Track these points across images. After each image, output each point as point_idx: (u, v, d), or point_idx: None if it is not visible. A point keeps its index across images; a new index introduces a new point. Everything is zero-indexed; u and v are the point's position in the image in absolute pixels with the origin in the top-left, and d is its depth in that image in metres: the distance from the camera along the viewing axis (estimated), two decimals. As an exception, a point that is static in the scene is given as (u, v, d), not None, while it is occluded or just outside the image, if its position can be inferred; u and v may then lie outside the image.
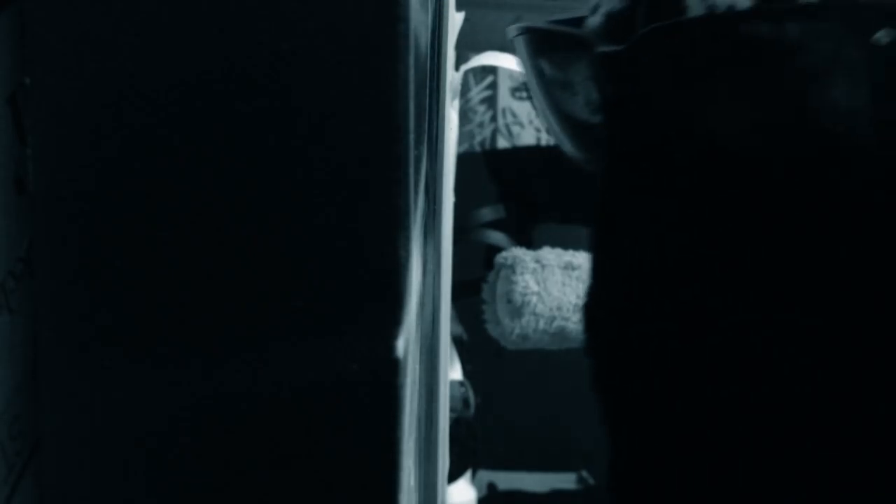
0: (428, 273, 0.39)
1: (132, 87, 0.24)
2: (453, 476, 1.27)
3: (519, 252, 1.35)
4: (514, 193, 2.10)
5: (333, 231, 0.25)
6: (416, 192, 0.28)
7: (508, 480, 2.39)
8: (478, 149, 2.56)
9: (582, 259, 1.37)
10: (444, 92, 0.60)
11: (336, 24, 0.24)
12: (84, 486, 0.26)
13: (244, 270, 0.25)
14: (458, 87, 0.85)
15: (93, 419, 0.26)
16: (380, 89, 0.24)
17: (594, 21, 0.36)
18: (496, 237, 1.87)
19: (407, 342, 0.26)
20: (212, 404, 0.25)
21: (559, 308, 1.31)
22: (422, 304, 0.35)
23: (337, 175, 0.24)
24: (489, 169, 2.31)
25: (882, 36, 0.30)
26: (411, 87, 0.25)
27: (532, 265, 1.32)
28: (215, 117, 0.24)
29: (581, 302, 0.37)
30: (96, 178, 0.25)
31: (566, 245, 1.43)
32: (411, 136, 0.25)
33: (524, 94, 2.59)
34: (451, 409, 1.17)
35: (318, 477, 0.26)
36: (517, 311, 1.29)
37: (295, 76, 0.24)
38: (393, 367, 0.25)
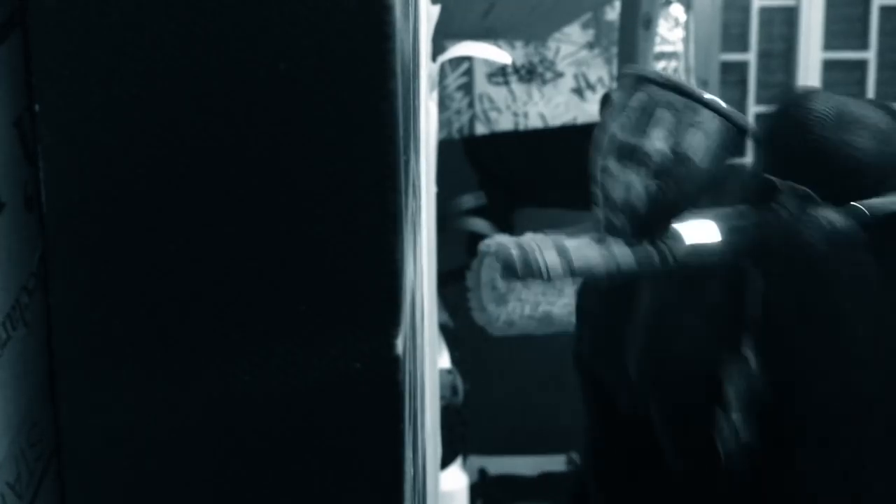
0: (416, 265, 0.41)
1: (136, 106, 0.25)
2: (445, 463, 1.29)
3: (502, 238, 1.37)
4: (494, 179, 2.11)
5: (334, 240, 0.26)
6: (407, 195, 0.30)
7: (499, 465, 2.42)
8: (456, 136, 2.57)
9: (564, 243, 1.38)
10: (422, 84, 0.61)
11: (328, 46, 0.25)
12: (103, 487, 0.27)
13: (251, 278, 0.26)
14: (436, 78, 0.87)
15: (108, 423, 0.27)
16: (371, 104, 0.25)
17: None
18: (478, 224, 1.89)
19: (405, 339, 0.27)
20: (223, 406, 0.27)
21: (544, 293, 1.33)
22: (413, 299, 0.37)
23: (335, 187, 0.26)
24: (468, 156, 2.33)
25: None
26: (400, 98, 0.26)
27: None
28: (219, 136, 0.25)
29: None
30: (103, 195, 0.26)
31: (547, 230, 1.45)
32: (401, 145, 0.26)
33: (500, 80, 2.60)
34: (440, 397, 1.18)
35: (326, 471, 0.27)
36: (502, 298, 1.31)
37: (291, 96, 0.25)
38: (394, 365, 0.27)
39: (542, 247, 0.28)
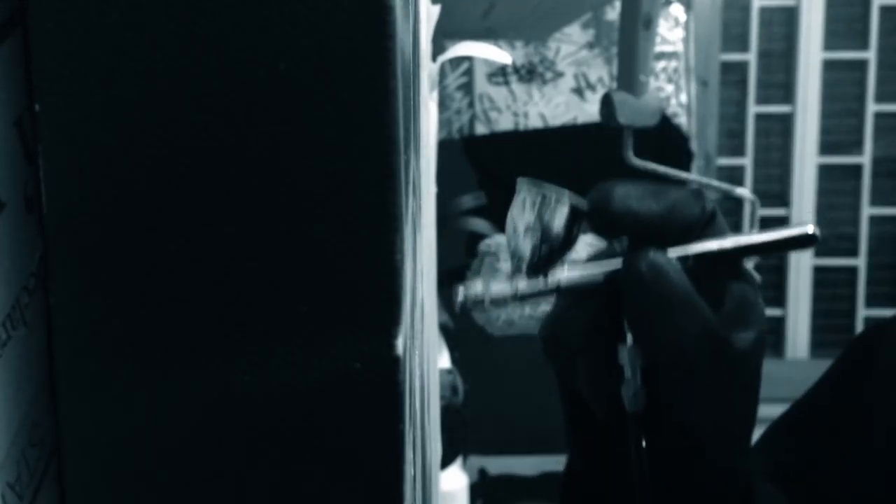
0: (416, 265, 0.41)
1: (136, 106, 0.25)
2: (445, 463, 1.29)
3: (502, 239, 1.36)
4: (494, 179, 2.11)
5: (334, 240, 0.26)
6: (407, 195, 0.30)
7: (499, 465, 2.42)
8: (456, 136, 2.57)
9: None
10: (422, 84, 0.61)
11: (329, 46, 0.25)
12: (102, 487, 0.27)
13: (251, 278, 0.26)
14: (436, 78, 0.87)
15: (108, 423, 0.27)
16: (371, 104, 0.25)
17: None
18: (478, 224, 1.89)
19: (405, 339, 0.27)
20: (223, 406, 0.27)
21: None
22: (413, 299, 0.37)
23: (335, 187, 0.26)
24: (468, 156, 2.33)
25: None
26: (400, 98, 0.26)
27: (515, 251, 1.34)
28: (219, 136, 0.25)
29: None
30: (103, 195, 0.26)
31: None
32: (401, 145, 0.26)
33: (500, 80, 2.60)
34: (440, 397, 1.18)
35: (326, 471, 0.27)
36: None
37: (291, 96, 0.25)
38: (394, 365, 0.26)
39: (475, 288, 0.41)
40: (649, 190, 0.42)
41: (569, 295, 0.42)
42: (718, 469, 0.44)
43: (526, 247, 0.40)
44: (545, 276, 0.41)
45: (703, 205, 0.42)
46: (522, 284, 0.40)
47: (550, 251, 0.40)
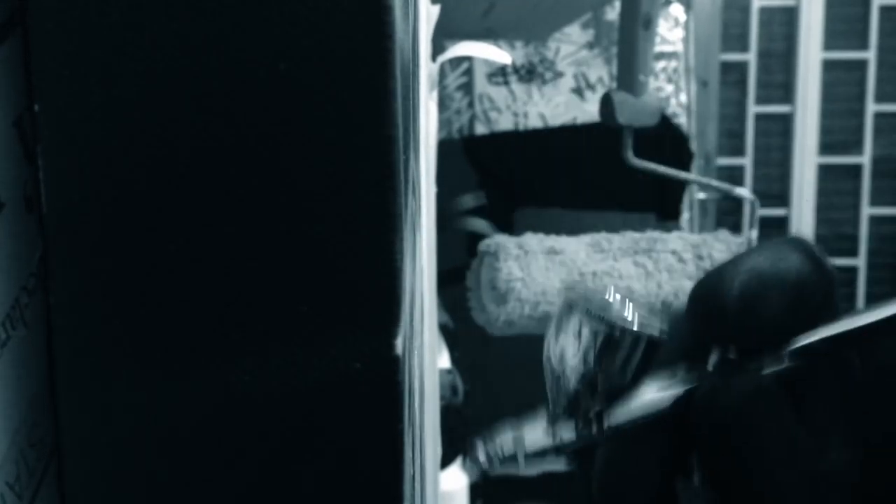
0: (416, 265, 0.41)
1: (136, 106, 0.25)
2: (445, 463, 1.29)
3: (502, 239, 1.36)
4: (494, 179, 2.11)
5: (334, 240, 0.26)
6: (406, 194, 0.30)
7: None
8: (456, 136, 2.57)
9: (564, 243, 1.38)
10: (422, 84, 0.61)
11: (329, 46, 0.25)
12: (102, 487, 0.27)
13: (251, 278, 0.26)
14: (436, 78, 0.87)
15: (108, 423, 0.27)
16: (371, 104, 0.25)
17: None
18: (478, 224, 1.89)
19: (405, 339, 0.27)
20: (223, 406, 0.27)
21: (543, 293, 1.33)
22: (413, 299, 0.37)
23: (335, 187, 0.26)
24: (468, 156, 2.32)
25: None
26: (400, 98, 0.26)
27: (515, 251, 1.34)
28: (219, 136, 0.25)
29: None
30: (103, 195, 0.26)
31: (547, 229, 1.44)
32: (401, 145, 0.26)
33: (500, 80, 2.59)
34: (440, 397, 1.18)
35: (326, 471, 0.27)
36: (502, 298, 1.31)
37: (291, 96, 0.25)
38: (393, 365, 0.26)
39: (503, 442, 0.32)
40: (766, 274, 0.31)
41: (626, 435, 0.32)
42: None
43: (576, 388, 0.31)
44: (597, 422, 0.31)
45: (827, 275, 0.32)
46: (567, 432, 0.32)
47: (609, 395, 0.31)
